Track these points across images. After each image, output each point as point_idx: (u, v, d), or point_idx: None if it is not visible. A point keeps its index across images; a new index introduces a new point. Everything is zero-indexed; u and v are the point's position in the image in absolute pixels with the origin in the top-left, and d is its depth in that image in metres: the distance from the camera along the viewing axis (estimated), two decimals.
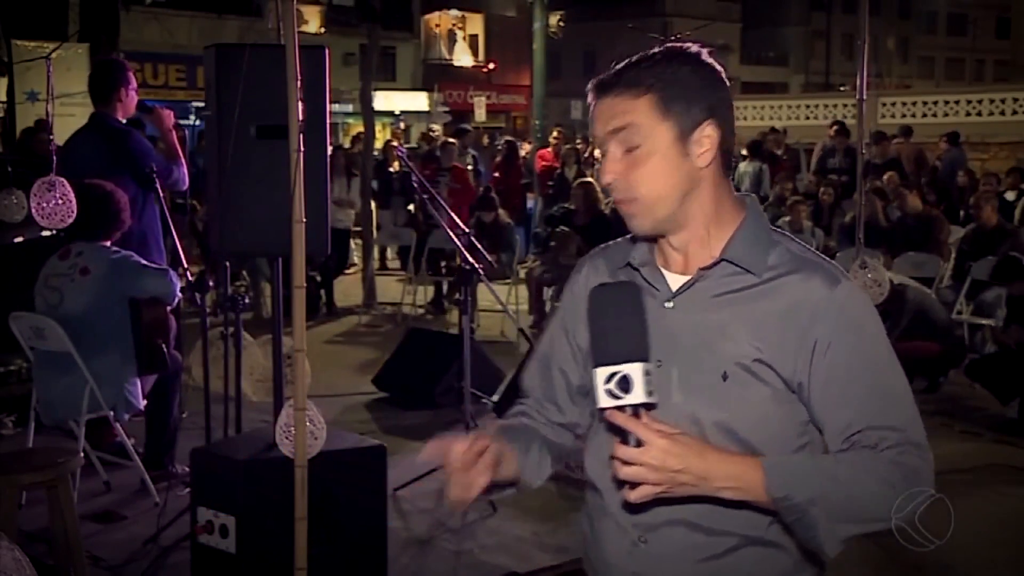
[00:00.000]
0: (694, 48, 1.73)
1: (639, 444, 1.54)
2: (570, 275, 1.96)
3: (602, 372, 1.55)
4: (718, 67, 1.72)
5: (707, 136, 1.69)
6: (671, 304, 1.74)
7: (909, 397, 1.71)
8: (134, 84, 5.73)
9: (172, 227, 5.42)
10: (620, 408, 1.55)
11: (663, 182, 1.69)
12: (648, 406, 1.56)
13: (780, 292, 1.69)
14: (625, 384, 1.54)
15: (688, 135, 1.68)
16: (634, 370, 1.54)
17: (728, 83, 1.74)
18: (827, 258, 1.77)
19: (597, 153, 13.78)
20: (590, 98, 1.74)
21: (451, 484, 1.72)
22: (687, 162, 1.69)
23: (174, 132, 5.74)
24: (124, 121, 5.71)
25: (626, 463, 1.55)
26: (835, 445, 1.70)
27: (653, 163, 1.68)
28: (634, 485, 1.57)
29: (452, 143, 12.46)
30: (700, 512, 1.68)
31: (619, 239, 1.91)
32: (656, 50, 1.72)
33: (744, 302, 1.70)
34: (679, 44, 1.73)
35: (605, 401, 1.55)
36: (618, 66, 1.72)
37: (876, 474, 1.62)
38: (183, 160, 5.71)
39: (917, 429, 1.69)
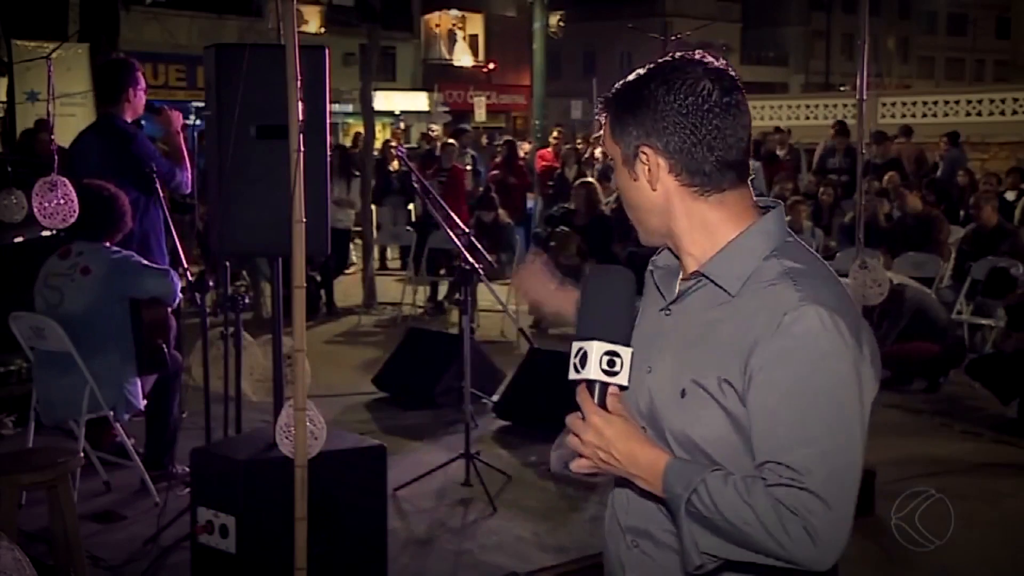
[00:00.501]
0: (681, 63, 1.68)
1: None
2: None
3: (573, 346, 1.66)
4: (698, 90, 1.65)
5: (645, 163, 1.69)
6: (668, 312, 1.75)
7: (830, 444, 1.56)
8: (143, 84, 5.70)
9: (172, 227, 5.41)
10: (588, 383, 1.64)
11: (631, 199, 1.76)
12: (621, 387, 1.65)
13: (745, 308, 1.63)
14: (583, 360, 1.64)
15: (631, 160, 1.71)
16: (592, 348, 1.63)
17: (715, 105, 1.66)
18: (823, 278, 1.67)
19: (598, 153, 13.90)
20: None
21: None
22: (639, 184, 1.72)
23: (181, 135, 5.71)
24: (131, 122, 5.70)
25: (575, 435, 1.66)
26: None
27: (619, 181, 1.78)
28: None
29: (452, 144, 12.45)
30: None
31: None
32: (647, 65, 1.72)
33: (717, 320, 1.66)
34: (670, 58, 1.71)
35: (571, 374, 1.66)
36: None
37: (751, 503, 1.53)
38: (187, 163, 5.69)
39: (823, 481, 1.53)
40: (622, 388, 1.65)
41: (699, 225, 1.71)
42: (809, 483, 1.52)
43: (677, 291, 1.75)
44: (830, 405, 1.57)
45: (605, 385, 1.64)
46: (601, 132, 1.78)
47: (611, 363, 1.63)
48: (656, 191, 1.70)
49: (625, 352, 1.64)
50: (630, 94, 1.70)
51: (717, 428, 1.63)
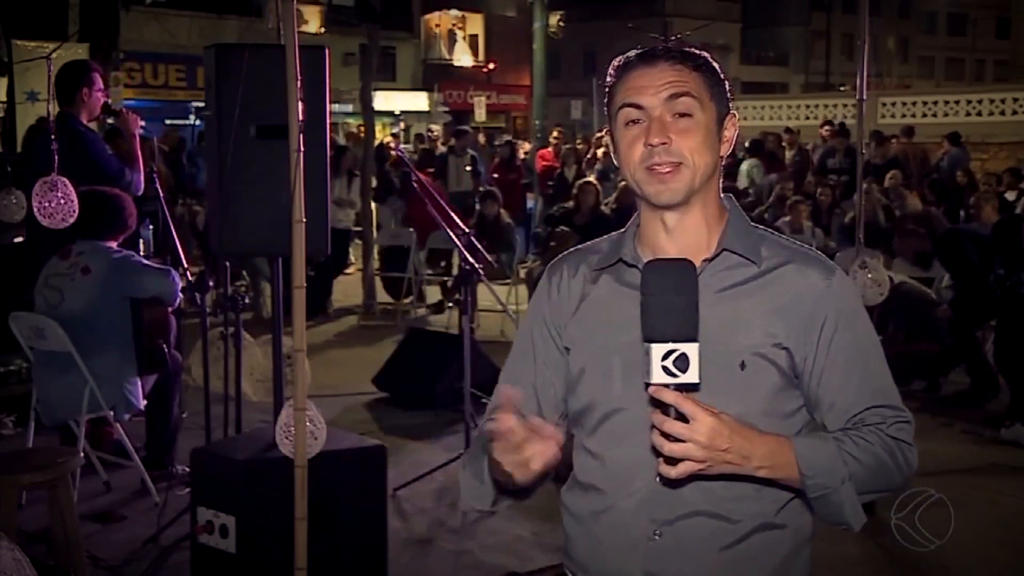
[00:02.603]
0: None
1: (680, 419, 1.55)
2: (544, 282, 1.95)
3: (659, 348, 1.54)
4: None
5: (730, 128, 1.80)
6: None
7: (890, 373, 1.84)
8: (99, 85, 5.72)
9: (172, 227, 5.41)
10: (667, 386, 1.55)
11: (706, 155, 1.75)
12: (694, 386, 1.56)
13: (781, 282, 1.77)
14: (683, 363, 1.54)
15: (722, 121, 1.79)
16: (691, 349, 1.55)
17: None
18: (810, 247, 1.87)
19: (599, 153, 13.91)
20: (628, 67, 1.78)
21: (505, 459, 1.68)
22: (717, 146, 1.78)
23: (137, 137, 5.72)
24: (87, 122, 5.71)
25: (670, 439, 1.56)
26: (837, 424, 1.78)
27: (700, 135, 1.74)
28: (674, 461, 1.57)
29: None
30: (717, 502, 1.72)
31: (586, 243, 1.96)
32: (681, 44, 1.80)
33: (750, 293, 1.76)
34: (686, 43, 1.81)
35: (660, 378, 1.55)
36: (657, 46, 1.78)
37: (885, 450, 1.75)
38: (140, 166, 5.68)
39: (901, 401, 1.82)
40: (695, 387, 1.57)
41: (718, 199, 1.83)
42: (906, 414, 1.80)
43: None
44: (878, 343, 1.84)
45: (684, 385, 1.56)
46: (677, 80, 1.73)
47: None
48: (723, 157, 1.80)
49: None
50: (716, 67, 1.79)
51: (771, 394, 1.75)
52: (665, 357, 1.54)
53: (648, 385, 1.56)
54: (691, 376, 1.55)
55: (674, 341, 1.54)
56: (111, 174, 5.50)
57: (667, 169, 1.72)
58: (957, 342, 7.18)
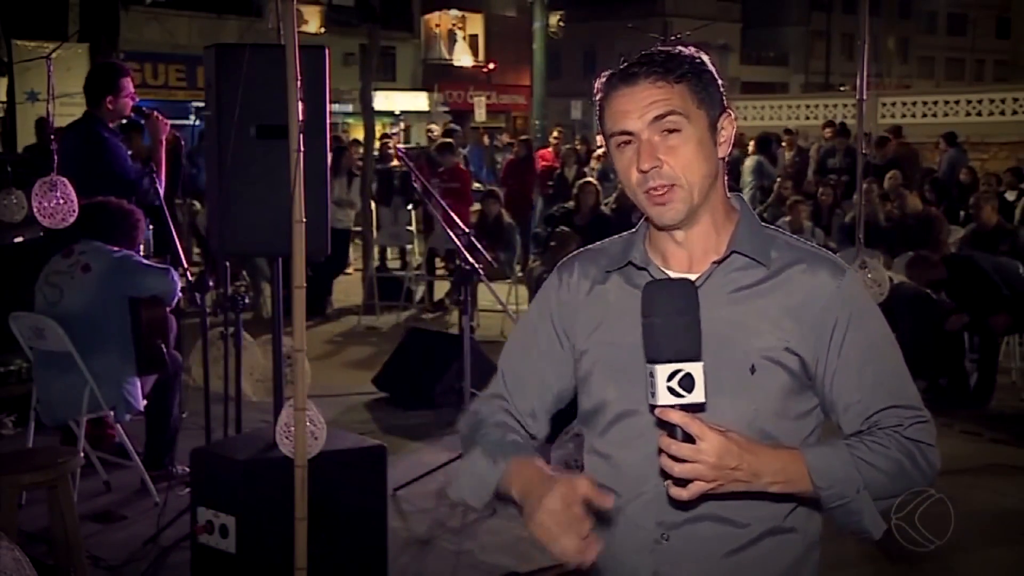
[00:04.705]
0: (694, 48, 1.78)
1: (687, 440, 1.55)
2: (553, 279, 1.94)
3: (664, 369, 1.54)
4: None
5: (727, 127, 1.77)
6: None
7: (908, 372, 1.81)
8: (129, 90, 5.66)
9: (173, 228, 5.41)
10: (673, 407, 1.54)
11: (701, 168, 1.73)
12: (700, 406, 1.56)
13: (791, 284, 1.75)
14: (688, 383, 1.54)
15: (716, 124, 1.75)
16: (696, 369, 1.54)
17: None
18: (821, 247, 1.84)
19: (600, 152, 13.90)
20: (612, 88, 1.74)
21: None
22: (715, 151, 1.75)
23: (165, 143, 5.68)
24: (113, 125, 5.68)
25: (678, 460, 1.55)
26: (853, 426, 1.77)
27: (692, 149, 1.71)
28: (682, 482, 1.57)
29: (449, 142, 12.40)
30: (725, 506, 1.71)
31: (594, 244, 1.95)
32: (668, 47, 1.75)
33: (760, 295, 1.74)
34: (684, 44, 1.78)
35: (665, 399, 1.54)
36: (639, 57, 1.73)
37: (904, 453, 1.73)
38: (163, 172, 5.63)
39: (920, 400, 1.79)
40: (701, 407, 1.56)
41: (725, 200, 1.81)
42: (925, 413, 1.78)
43: (695, 277, 1.74)
44: (894, 341, 1.81)
45: (692, 405, 1.55)
46: (660, 100, 1.69)
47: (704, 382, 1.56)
48: (723, 158, 1.78)
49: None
50: (703, 67, 1.74)
51: (782, 396, 1.73)
52: (670, 378, 1.54)
53: (654, 407, 1.55)
54: (697, 396, 1.54)
55: (678, 361, 1.53)
56: (129, 181, 5.48)
57: (662, 192, 1.71)
58: (982, 343, 7.21)
